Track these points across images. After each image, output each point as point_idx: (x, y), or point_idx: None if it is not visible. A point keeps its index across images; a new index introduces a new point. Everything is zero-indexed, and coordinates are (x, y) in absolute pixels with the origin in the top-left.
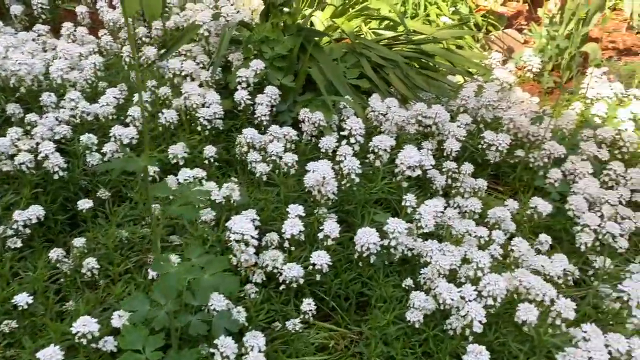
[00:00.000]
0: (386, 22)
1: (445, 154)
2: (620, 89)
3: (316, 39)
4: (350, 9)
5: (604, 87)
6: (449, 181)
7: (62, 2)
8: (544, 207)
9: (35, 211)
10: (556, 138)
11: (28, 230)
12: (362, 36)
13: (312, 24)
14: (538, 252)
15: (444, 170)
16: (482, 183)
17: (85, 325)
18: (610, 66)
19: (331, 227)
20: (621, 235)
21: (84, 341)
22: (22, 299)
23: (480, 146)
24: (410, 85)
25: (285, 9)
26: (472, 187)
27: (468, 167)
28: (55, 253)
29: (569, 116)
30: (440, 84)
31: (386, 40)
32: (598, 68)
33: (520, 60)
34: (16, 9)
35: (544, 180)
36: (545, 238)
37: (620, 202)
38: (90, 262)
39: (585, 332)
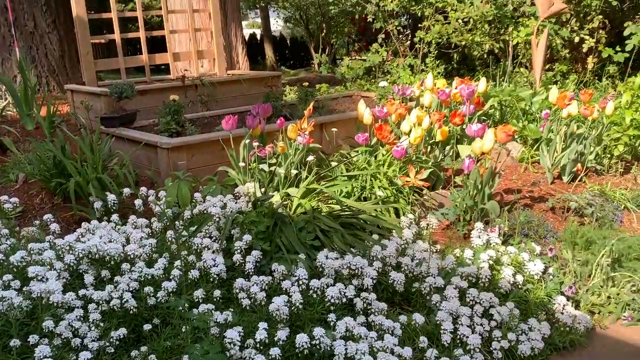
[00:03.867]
0: (335, 200)
1: (365, 288)
2: (494, 237)
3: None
4: (312, 194)
5: (483, 236)
6: (365, 305)
7: (125, 199)
8: (419, 319)
9: (121, 331)
10: (442, 274)
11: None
12: (319, 210)
13: (287, 206)
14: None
15: (362, 298)
16: (383, 305)
17: None
18: (510, 217)
19: (282, 334)
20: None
21: None
22: None
23: (390, 281)
24: (347, 243)
25: (265, 202)
26: (379, 308)
27: (372, 296)
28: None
29: (449, 259)
30: (364, 243)
31: (336, 212)
32: (498, 217)
33: (441, 215)
34: (97, 204)
35: (431, 302)
36: (423, 339)
37: (476, 314)
38: None
39: None
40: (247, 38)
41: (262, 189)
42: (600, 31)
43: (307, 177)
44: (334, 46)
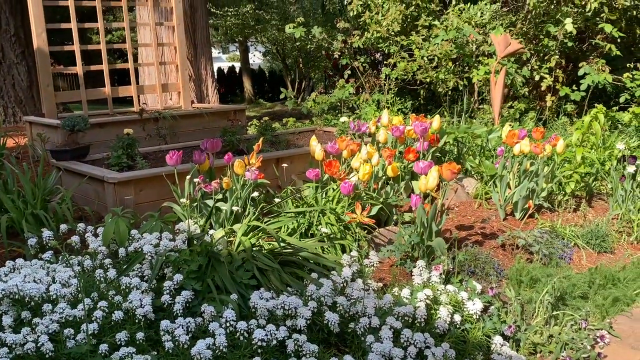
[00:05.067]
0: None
1: (299, 329)
2: (435, 276)
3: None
4: (253, 231)
5: (425, 274)
6: (297, 347)
7: (62, 235)
8: None
9: None
10: (379, 313)
11: None
12: (260, 247)
13: (233, 243)
14: None
15: (293, 339)
16: (314, 347)
17: None
18: (458, 253)
19: None
20: None
21: None
22: None
23: (325, 322)
24: (284, 282)
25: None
26: (311, 350)
27: (303, 338)
28: None
29: (387, 298)
30: (302, 282)
31: (278, 250)
32: (444, 255)
33: (388, 252)
34: (32, 241)
35: (365, 343)
36: None
37: (410, 356)
38: None
39: None
40: (226, 71)
41: (207, 225)
42: (558, 70)
43: (254, 213)
44: (311, 80)
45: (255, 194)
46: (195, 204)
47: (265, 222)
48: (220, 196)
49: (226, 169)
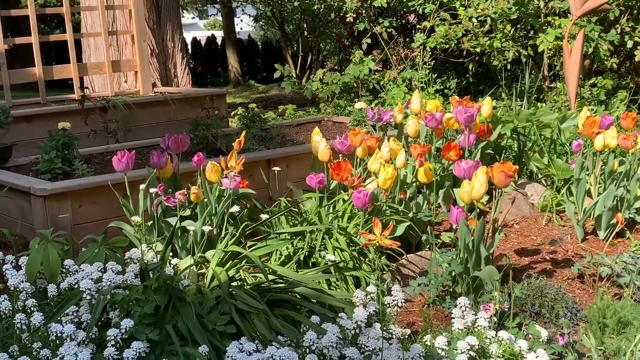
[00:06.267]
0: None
1: None
2: (484, 318)
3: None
4: (233, 260)
5: (470, 316)
6: None
7: None
8: None
9: None
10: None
11: None
12: (241, 282)
13: (200, 275)
14: None
15: None
16: None
17: None
18: (515, 287)
19: None
20: None
21: None
22: None
23: None
24: (273, 328)
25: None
26: None
27: None
28: None
29: (415, 349)
30: (297, 329)
31: (265, 285)
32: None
33: (418, 287)
34: None
35: None
36: None
37: None
38: None
39: None
40: (203, 42)
41: (169, 252)
42: None
43: (233, 235)
44: (320, 53)
45: (236, 208)
46: (152, 224)
47: (248, 247)
48: (188, 212)
49: (197, 175)
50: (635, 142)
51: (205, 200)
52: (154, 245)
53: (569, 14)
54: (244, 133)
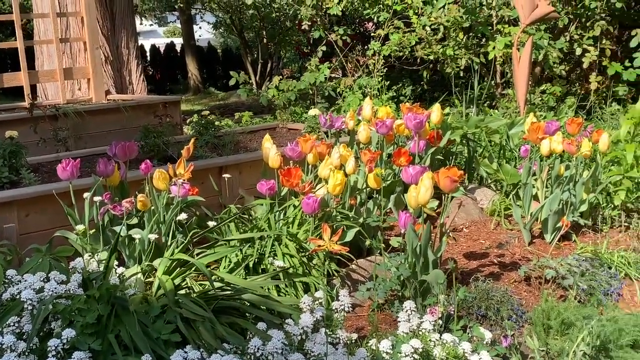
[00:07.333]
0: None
1: None
2: (429, 321)
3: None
4: (180, 268)
5: (414, 320)
6: None
7: None
8: None
9: None
10: None
11: None
12: (188, 290)
13: (148, 283)
14: None
15: None
16: None
17: None
18: (458, 290)
19: None
20: None
21: None
22: None
23: None
24: (219, 336)
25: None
26: None
27: None
28: None
29: (360, 354)
30: (243, 336)
31: (213, 293)
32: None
33: (366, 291)
34: None
35: None
36: None
37: None
38: None
39: None
40: (162, 49)
41: (113, 261)
42: (606, 41)
43: (182, 242)
44: (281, 60)
45: (184, 215)
46: (98, 233)
47: (197, 255)
48: (135, 220)
49: (145, 182)
50: (579, 147)
51: (153, 208)
52: (97, 253)
53: (519, 22)
54: (192, 140)
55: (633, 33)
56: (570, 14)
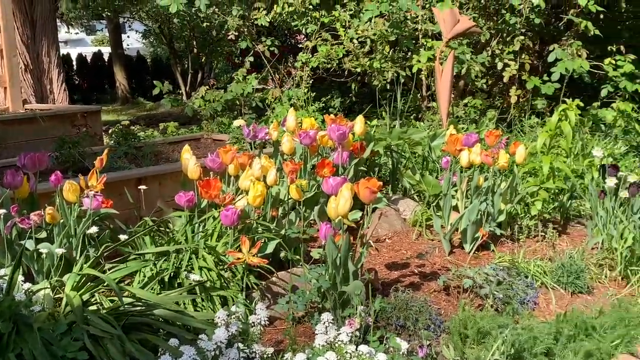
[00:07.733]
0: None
1: None
2: (346, 333)
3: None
4: (90, 282)
5: (331, 332)
6: None
7: None
8: None
9: None
10: None
11: None
12: (98, 306)
13: (57, 300)
14: None
15: None
16: None
17: None
18: (374, 301)
19: None
20: None
21: None
22: None
23: None
24: (128, 353)
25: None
26: None
27: None
28: None
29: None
30: (154, 353)
31: (123, 309)
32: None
33: (286, 304)
34: None
35: None
36: None
37: None
38: None
39: None
40: (89, 58)
41: (18, 276)
42: (525, 56)
43: (93, 256)
44: (212, 70)
45: (95, 229)
46: (3, 247)
47: (109, 269)
48: (45, 234)
49: (55, 195)
50: (496, 158)
51: (62, 221)
52: (4, 269)
53: (442, 37)
54: (106, 151)
55: (551, 48)
56: (492, 29)
